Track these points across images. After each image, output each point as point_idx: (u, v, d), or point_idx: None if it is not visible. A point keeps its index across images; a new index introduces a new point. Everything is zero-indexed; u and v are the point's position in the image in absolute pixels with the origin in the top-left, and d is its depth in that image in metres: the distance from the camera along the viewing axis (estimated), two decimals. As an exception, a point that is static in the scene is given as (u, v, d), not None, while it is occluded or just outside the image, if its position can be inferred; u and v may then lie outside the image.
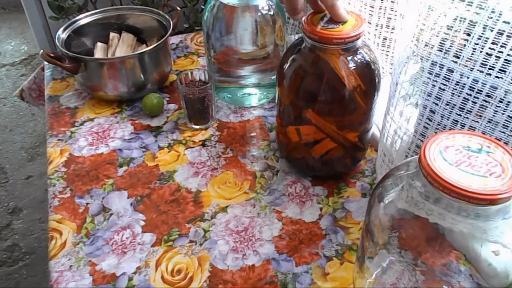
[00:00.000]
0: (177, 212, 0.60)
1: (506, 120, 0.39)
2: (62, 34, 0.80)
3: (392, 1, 0.58)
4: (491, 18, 0.37)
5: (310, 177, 0.65)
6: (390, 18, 0.59)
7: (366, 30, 0.62)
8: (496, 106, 0.39)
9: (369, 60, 0.54)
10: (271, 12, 0.69)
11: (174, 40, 0.97)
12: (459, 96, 0.41)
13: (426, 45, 0.43)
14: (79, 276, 0.53)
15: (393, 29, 0.60)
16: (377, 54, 0.64)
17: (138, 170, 0.67)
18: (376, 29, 0.61)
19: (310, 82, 0.56)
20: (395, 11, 0.58)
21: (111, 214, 0.60)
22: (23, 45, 2.48)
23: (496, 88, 0.38)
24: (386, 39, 0.62)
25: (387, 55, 0.63)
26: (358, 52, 0.53)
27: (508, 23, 0.36)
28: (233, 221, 0.59)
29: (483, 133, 0.41)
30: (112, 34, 0.85)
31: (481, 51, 0.38)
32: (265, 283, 0.51)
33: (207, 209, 0.60)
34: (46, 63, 0.88)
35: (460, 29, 0.39)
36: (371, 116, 0.59)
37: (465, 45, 0.39)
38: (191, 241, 0.56)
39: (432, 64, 0.43)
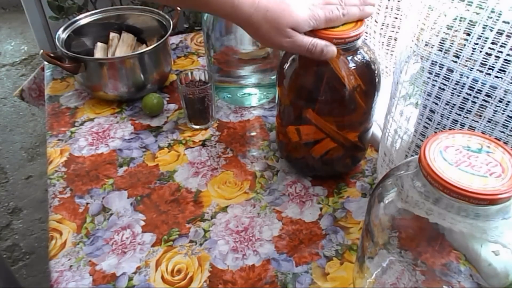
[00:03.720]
0: (177, 212, 0.60)
1: (505, 120, 0.39)
2: (62, 34, 0.80)
3: (398, 1, 0.58)
4: (491, 18, 0.37)
5: (310, 177, 0.65)
6: (396, 18, 0.59)
7: (372, 29, 0.62)
8: (496, 106, 0.39)
9: (369, 60, 0.54)
10: None
11: (174, 40, 0.97)
12: (459, 95, 0.41)
13: (426, 45, 0.43)
14: (79, 276, 0.53)
15: (398, 28, 0.60)
16: (382, 53, 0.64)
17: (138, 170, 0.67)
18: (382, 28, 0.61)
19: (310, 82, 0.56)
20: (401, 11, 0.58)
21: (111, 214, 0.60)
22: (23, 45, 2.48)
23: (496, 88, 0.38)
24: (391, 38, 0.62)
25: (392, 54, 0.63)
26: (358, 52, 0.53)
27: (508, 23, 0.36)
28: (233, 221, 0.59)
29: (483, 133, 0.41)
30: (112, 34, 0.85)
31: (480, 51, 0.38)
32: (265, 283, 0.51)
33: (207, 209, 0.60)
34: (46, 63, 0.88)
35: (460, 29, 0.39)
36: (371, 116, 0.59)
37: (465, 45, 0.39)
38: (191, 241, 0.56)
39: (432, 63, 0.43)
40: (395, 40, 0.61)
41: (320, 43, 0.50)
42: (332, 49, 0.51)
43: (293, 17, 0.49)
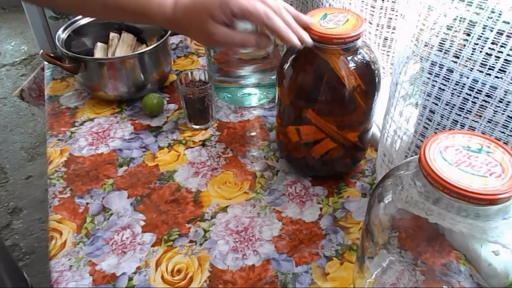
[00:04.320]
0: (177, 212, 0.60)
1: (506, 120, 0.39)
2: (62, 34, 0.80)
3: (393, 1, 0.58)
4: (491, 18, 0.37)
5: (310, 177, 0.65)
6: (391, 18, 0.59)
7: (367, 30, 0.62)
8: (496, 106, 0.39)
9: (369, 60, 0.54)
10: None
11: (174, 40, 0.97)
12: (459, 96, 0.41)
13: (426, 45, 0.43)
14: (79, 276, 0.53)
15: (394, 29, 0.60)
16: (378, 54, 0.64)
17: (138, 170, 0.67)
18: (377, 29, 0.61)
19: (310, 82, 0.56)
20: (396, 11, 0.58)
21: (111, 214, 0.60)
22: (23, 45, 2.48)
23: (496, 88, 0.38)
24: (387, 39, 0.62)
25: (388, 55, 0.63)
26: (358, 52, 0.53)
27: (508, 23, 0.36)
28: (233, 221, 0.59)
29: (483, 133, 0.41)
30: (112, 34, 0.85)
31: (481, 51, 0.38)
32: (265, 283, 0.51)
33: (207, 209, 0.60)
34: (46, 63, 0.88)
35: (460, 29, 0.39)
36: (371, 116, 0.59)
37: (465, 45, 0.39)
38: (191, 241, 0.56)
39: (432, 64, 0.43)
40: (391, 40, 0.61)
41: (252, 37, 0.51)
42: (266, 38, 0.52)
43: (207, 6, 0.49)
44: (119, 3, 0.53)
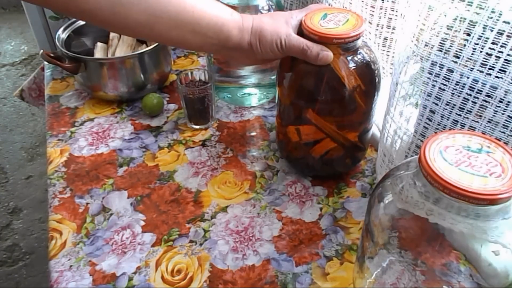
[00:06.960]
0: (177, 212, 0.60)
1: (506, 120, 0.39)
2: (62, 34, 0.80)
3: (392, 1, 0.58)
4: (491, 18, 0.37)
5: (310, 177, 0.65)
6: (391, 18, 0.59)
7: (367, 30, 0.62)
8: (496, 106, 0.39)
9: (369, 60, 0.54)
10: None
11: (174, 40, 0.97)
12: (459, 96, 0.41)
13: (426, 45, 0.43)
14: (79, 276, 0.53)
15: (393, 29, 0.60)
16: (378, 54, 0.64)
17: (138, 170, 0.67)
18: (377, 29, 0.61)
19: (310, 82, 0.56)
20: (396, 11, 0.58)
21: (111, 214, 0.60)
22: (23, 45, 2.48)
23: (496, 88, 0.38)
24: (386, 39, 0.62)
25: (388, 55, 0.63)
26: (358, 52, 0.53)
27: (508, 23, 0.36)
28: (233, 221, 0.59)
29: (483, 133, 0.41)
30: (112, 34, 0.85)
31: (481, 51, 0.38)
32: (265, 283, 0.51)
33: (207, 209, 0.60)
34: (46, 63, 0.88)
35: (460, 29, 0.39)
36: (371, 116, 0.59)
37: (465, 45, 0.39)
38: (191, 241, 0.56)
39: (432, 64, 0.43)
40: (391, 40, 0.61)
41: (316, 46, 0.51)
42: (328, 53, 0.51)
43: (284, 13, 0.54)
44: (196, 17, 0.50)
